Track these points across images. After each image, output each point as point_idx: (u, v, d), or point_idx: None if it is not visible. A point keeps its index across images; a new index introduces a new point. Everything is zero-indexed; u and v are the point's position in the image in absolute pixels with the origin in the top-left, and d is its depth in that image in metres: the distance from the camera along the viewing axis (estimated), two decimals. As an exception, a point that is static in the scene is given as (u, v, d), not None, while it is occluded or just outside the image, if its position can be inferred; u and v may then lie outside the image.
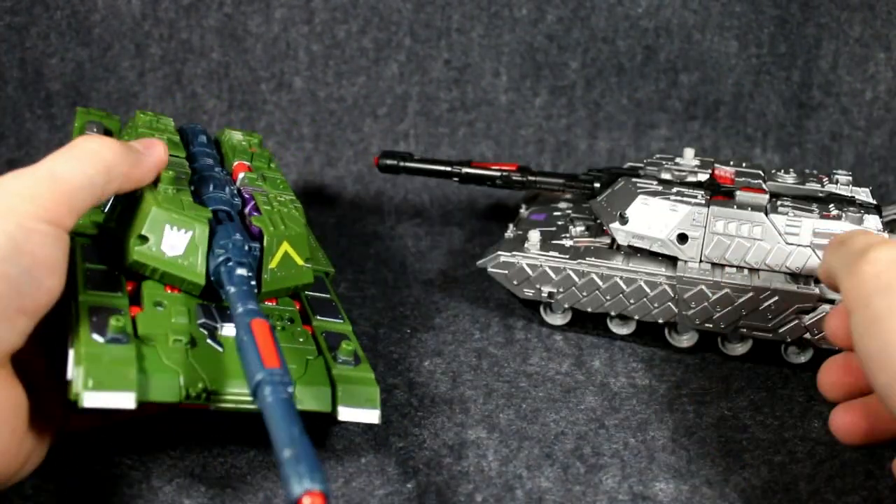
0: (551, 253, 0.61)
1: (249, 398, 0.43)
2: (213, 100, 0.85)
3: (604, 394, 0.57)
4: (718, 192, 0.61)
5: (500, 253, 0.62)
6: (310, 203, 0.82)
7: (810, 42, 0.85)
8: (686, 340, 0.61)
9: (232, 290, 0.45)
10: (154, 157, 0.49)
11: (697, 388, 0.58)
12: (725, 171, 0.65)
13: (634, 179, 0.63)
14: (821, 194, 0.62)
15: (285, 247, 0.51)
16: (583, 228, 0.65)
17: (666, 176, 0.64)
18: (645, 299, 0.60)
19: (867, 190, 0.63)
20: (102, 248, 0.50)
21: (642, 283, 0.59)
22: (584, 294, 0.61)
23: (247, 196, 0.54)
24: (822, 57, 0.85)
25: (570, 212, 0.69)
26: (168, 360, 0.43)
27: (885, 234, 0.58)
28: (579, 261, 0.60)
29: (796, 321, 0.57)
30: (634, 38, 0.85)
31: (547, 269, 0.61)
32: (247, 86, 0.85)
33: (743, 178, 0.63)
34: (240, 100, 0.86)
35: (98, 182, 0.43)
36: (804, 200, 0.60)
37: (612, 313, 0.61)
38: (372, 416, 0.47)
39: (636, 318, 0.61)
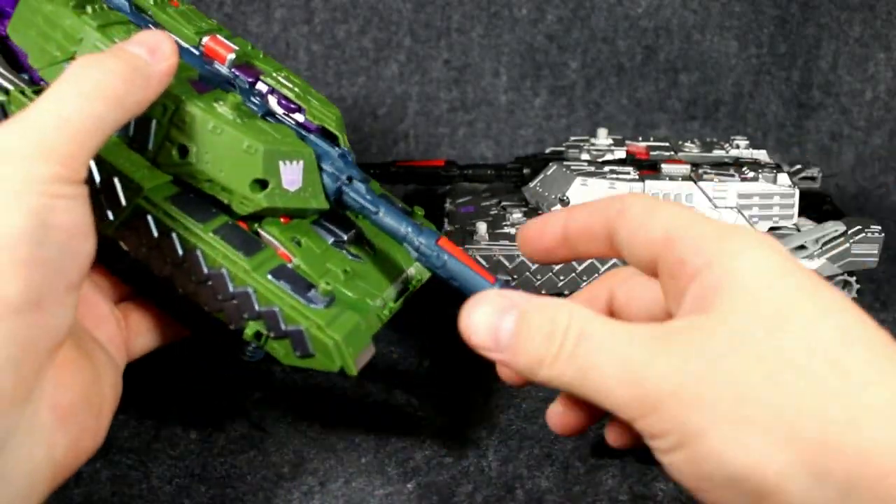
0: (502, 242, 0.62)
1: (402, 293, 0.49)
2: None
3: (604, 394, 0.57)
4: (644, 167, 0.65)
5: None
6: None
7: (810, 42, 0.85)
8: None
9: (381, 212, 0.44)
10: (165, 65, 0.39)
11: (697, 388, 0.58)
12: (638, 147, 0.69)
13: (566, 163, 0.65)
14: (727, 159, 0.68)
15: (343, 137, 0.48)
16: (520, 215, 0.66)
17: (586, 156, 0.67)
18: (597, 275, 0.62)
19: (764, 152, 0.69)
20: (191, 196, 0.43)
21: (595, 260, 0.61)
22: (539, 277, 0.62)
23: (251, 81, 0.48)
24: (822, 57, 0.85)
25: (495, 201, 0.70)
26: (355, 295, 0.44)
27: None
28: None
29: None
30: (634, 38, 0.85)
31: (501, 258, 0.62)
32: (247, 86, 0.85)
33: (656, 152, 0.68)
34: (240, 100, 0.86)
35: (109, 120, 0.36)
36: (721, 167, 0.65)
37: (567, 292, 0.63)
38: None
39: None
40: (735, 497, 0.30)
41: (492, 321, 0.34)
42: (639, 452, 0.51)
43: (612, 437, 0.40)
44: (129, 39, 0.39)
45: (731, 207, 0.62)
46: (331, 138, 0.48)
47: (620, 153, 0.68)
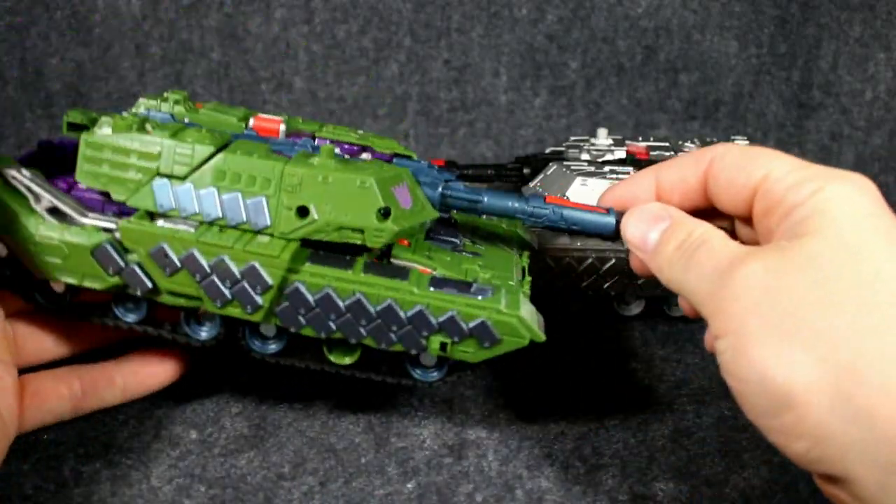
0: None
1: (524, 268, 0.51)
2: (213, 100, 0.85)
3: (603, 394, 0.57)
4: (644, 167, 0.64)
5: None
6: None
7: (810, 42, 0.85)
8: (635, 308, 0.64)
9: (485, 199, 0.47)
10: None
11: (697, 388, 0.58)
12: (638, 147, 0.69)
13: (566, 162, 0.65)
14: None
15: (413, 155, 0.52)
16: None
17: (586, 156, 0.67)
18: (596, 275, 0.61)
19: None
20: (321, 252, 0.46)
21: (594, 260, 0.61)
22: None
23: (299, 141, 0.50)
24: (822, 57, 0.85)
25: None
26: (500, 281, 0.47)
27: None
28: None
29: None
30: (634, 38, 0.85)
31: None
32: (247, 86, 0.85)
33: (656, 152, 0.68)
34: (240, 100, 0.86)
35: None
36: None
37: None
38: None
39: (590, 293, 0.63)
40: (765, 403, 0.33)
41: (643, 228, 0.41)
42: (639, 452, 0.51)
43: (709, 344, 0.41)
44: None
45: None
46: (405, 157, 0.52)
47: (620, 153, 0.68)
